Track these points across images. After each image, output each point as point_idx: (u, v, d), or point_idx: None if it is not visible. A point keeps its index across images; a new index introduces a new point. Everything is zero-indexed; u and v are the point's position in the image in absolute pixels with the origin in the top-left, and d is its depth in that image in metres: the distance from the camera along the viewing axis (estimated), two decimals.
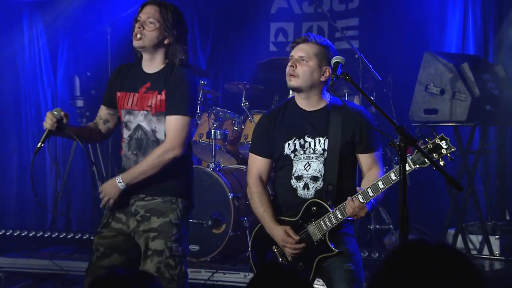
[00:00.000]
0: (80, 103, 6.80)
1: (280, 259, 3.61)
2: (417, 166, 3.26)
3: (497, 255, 5.57)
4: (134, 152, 3.71)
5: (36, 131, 7.35)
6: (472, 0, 6.59)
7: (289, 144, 3.61)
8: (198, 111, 5.99)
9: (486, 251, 5.61)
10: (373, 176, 3.50)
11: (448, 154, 3.21)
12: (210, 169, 5.55)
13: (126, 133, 3.75)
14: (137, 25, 3.71)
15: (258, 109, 5.97)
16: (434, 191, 6.41)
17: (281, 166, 3.65)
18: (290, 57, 3.61)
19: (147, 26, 3.68)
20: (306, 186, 3.57)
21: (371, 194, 3.36)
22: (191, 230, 5.40)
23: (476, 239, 5.73)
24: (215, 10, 7.47)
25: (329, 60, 3.52)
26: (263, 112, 5.87)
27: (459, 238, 5.67)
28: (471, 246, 5.70)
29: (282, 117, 3.67)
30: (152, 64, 3.72)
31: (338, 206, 3.45)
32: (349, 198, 3.40)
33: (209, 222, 5.47)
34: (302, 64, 3.54)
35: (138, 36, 3.67)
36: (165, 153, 3.60)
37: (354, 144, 3.55)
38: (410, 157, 3.26)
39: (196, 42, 7.40)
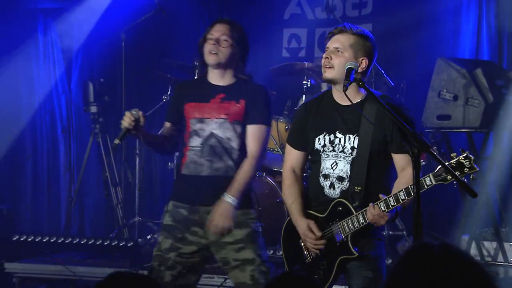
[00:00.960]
0: (93, 109, 6.84)
1: (305, 252, 3.60)
2: (439, 182, 3.17)
3: None
4: (208, 159, 3.84)
5: (50, 138, 7.44)
6: (486, 5, 6.59)
7: (319, 138, 3.56)
8: None
9: (500, 258, 5.56)
10: (405, 179, 3.39)
11: (471, 175, 3.14)
12: None
13: (195, 141, 3.87)
14: (211, 42, 3.87)
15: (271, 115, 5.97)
16: (448, 197, 6.37)
17: (313, 160, 3.63)
18: (326, 49, 3.54)
19: (222, 43, 3.86)
20: (332, 186, 3.53)
21: (392, 203, 3.29)
22: None
23: (490, 245, 5.68)
24: (228, 16, 7.43)
25: (366, 51, 3.45)
26: (275, 117, 5.99)
27: (473, 244, 5.64)
28: (485, 253, 5.66)
29: (316, 110, 3.61)
30: (223, 78, 3.90)
31: (362, 211, 3.39)
32: (370, 204, 3.34)
33: None
34: (338, 55, 3.45)
35: (214, 52, 3.84)
36: (255, 162, 3.82)
37: (386, 143, 3.45)
38: (432, 172, 3.19)
39: None
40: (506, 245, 5.59)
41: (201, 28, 7.49)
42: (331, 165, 3.53)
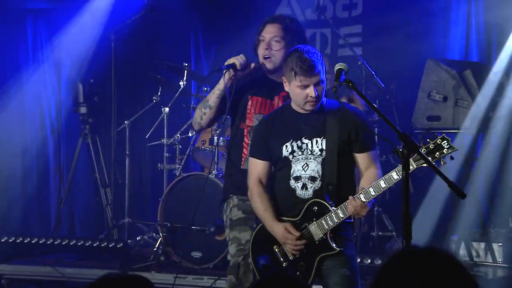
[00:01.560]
0: (83, 109, 6.84)
1: (281, 258, 3.64)
2: (419, 165, 3.28)
3: (500, 262, 5.53)
4: None
5: (39, 138, 7.42)
6: (475, 6, 6.62)
7: (286, 146, 3.65)
8: None
9: (489, 259, 5.57)
10: (371, 175, 3.57)
11: (450, 154, 3.26)
12: (212, 175, 5.59)
13: None
14: (263, 46, 3.80)
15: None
16: (436, 198, 6.26)
17: (280, 167, 3.69)
18: (303, 87, 3.57)
19: (273, 45, 3.78)
20: (304, 186, 3.61)
21: (373, 193, 3.42)
22: (194, 237, 5.57)
23: (479, 246, 5.69)
24: (219, 15, 7.47)
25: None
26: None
27: (462, 245, 5.65)
28: (474, 253, 5.67)
29: (279, 121, 3.72)
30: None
31: (340, 206, 3.49)
32: (350, 197, 3.45)
33: (212, 229, 5.49)
34: (319, 88, 3.55)
35: (267, 57, 3.79)
36: None
37: (351, 143, 3.61)
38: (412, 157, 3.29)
39: (199, 47, 7.42)
40: (495, 245, 5.60)
41: (192, 29, 7.52)
42: (302, 167, 3.62)
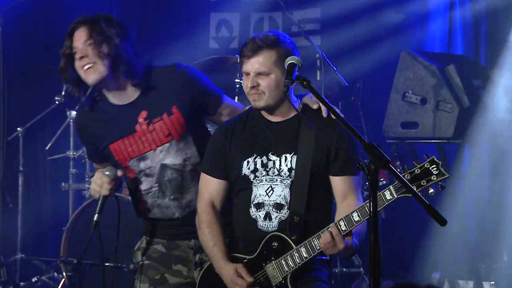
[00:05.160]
0: None
1: None
2: (401, 195, 3.32)
3: None
4: (173, 197, 3.85)
5: None
6: None
7: (248, 162, 3.65)
8: None
9: None
10: (349, 207, 3.49)
11: (440, 182, 3.29)
12: None
13: (147, 183, 3.87)
14: (77, 58, 3.69)
15: None
16: (414, 225, 6.45)
17: (238, 190, 3.69)
18: (244, 74, 3.62)
19: (88, 51, 3.67)
20: (268, 216, 3.60)
21: (343, 228, 3.40)
22: (109, 276, 5.43)
23: (466, 285, 5.77)
24: None
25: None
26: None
27: (446, 283, 5.71)
28: None
29: (242, 130, 3.71)
30: (127, 93, 3.78)
31: (304, 242, 3.47)
32: (320, 232, 3.43)
33: (131, 266, 5.40)
34: (264, 79, 3.55)
35: (88, 67, 3.66)
36: None
37: (328, 162, 3.59)
38: (392, 184, 3.33)
39: None
40: (486, 284, 5.68)
41: (106, 3, 7.47)
42: (265, 191, 3.62)
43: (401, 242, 6.53)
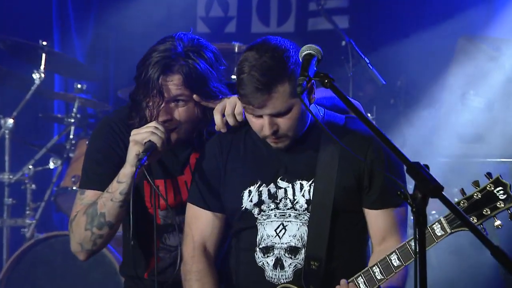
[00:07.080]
0: None
1: None
2: (456, 229, 3.30)
3: None
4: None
5: None
6: None
7: (250, 192, 3.63)
8: (71, 136, 6.45)
9: None
10: (389, 252, 3.46)
11: (509, 210, 3.29)
12: None
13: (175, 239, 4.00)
14: (162, 116, 3.82)
15: None
16: (478, 270, 6.29)
17: (239, 230, 3.65)
18: (255, 116, 3.51)
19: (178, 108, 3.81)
20: (279, 264, 3.58)
21: (379, 277, 3.39)
22: None
23: None
24: None
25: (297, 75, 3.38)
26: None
27: None
28: None
29: (241, 147, 3.69)
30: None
31: None
32: (343, 281, 3.41)
33: None
34: (282, 119, 3.47)
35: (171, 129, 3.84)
36: None
37: (360, 191, 3.56)
38: (444, 216, 3.32)
39: (68, 16, 7.35)
40: None
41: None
42: (275, 230, 3.58)
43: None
